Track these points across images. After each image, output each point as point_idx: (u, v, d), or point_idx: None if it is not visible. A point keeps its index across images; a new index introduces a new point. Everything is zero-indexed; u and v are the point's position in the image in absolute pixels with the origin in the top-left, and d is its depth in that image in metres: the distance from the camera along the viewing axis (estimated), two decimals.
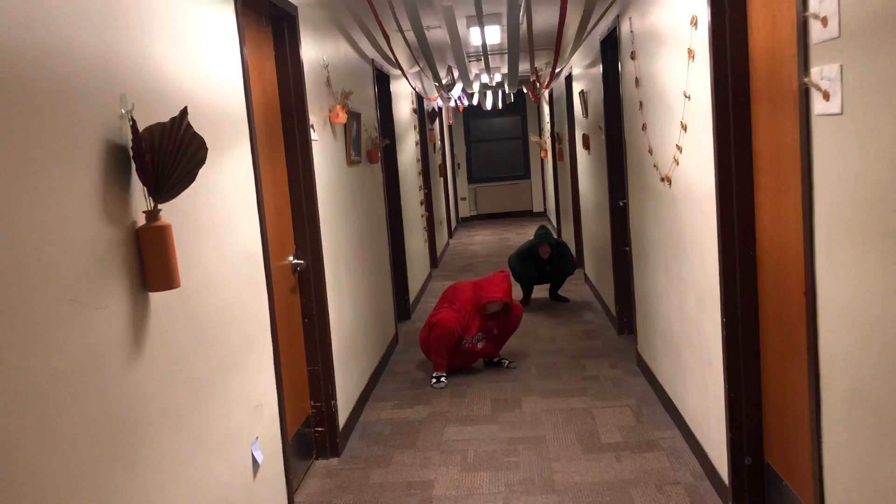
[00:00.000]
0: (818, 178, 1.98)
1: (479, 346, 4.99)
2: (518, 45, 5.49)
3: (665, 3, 3.48)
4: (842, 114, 1.81)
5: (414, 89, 7.86)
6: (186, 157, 1.88)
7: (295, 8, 3.49)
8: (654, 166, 3.90)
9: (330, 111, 4.10)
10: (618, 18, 4.66)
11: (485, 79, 10.28)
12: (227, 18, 2.63)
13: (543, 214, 14.64)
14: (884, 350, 1.70)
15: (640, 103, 4.17)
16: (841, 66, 1.79)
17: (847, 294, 1.86)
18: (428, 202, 9.05)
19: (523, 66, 8.36)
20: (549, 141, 11.49)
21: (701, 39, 2.92)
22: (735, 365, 2.87)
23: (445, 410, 4.41)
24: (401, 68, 5.93)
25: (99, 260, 1.68)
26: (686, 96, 3.19)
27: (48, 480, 1.45)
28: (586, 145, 6.87)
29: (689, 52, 3.08)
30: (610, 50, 5.34)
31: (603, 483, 3.32)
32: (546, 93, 10.83)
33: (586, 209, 7.48)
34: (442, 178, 11.39)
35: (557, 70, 7.36)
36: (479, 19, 5.06)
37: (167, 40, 2.12)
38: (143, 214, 1.86)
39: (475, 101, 11.32)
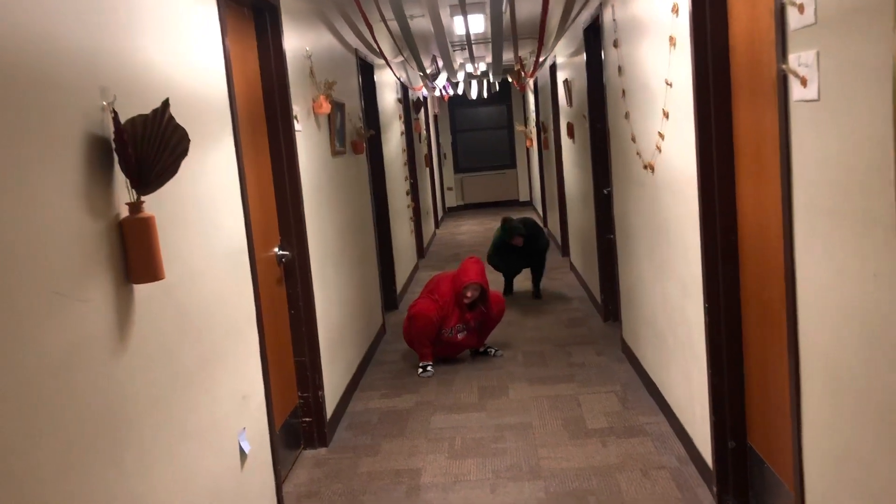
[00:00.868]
0: (797, 164, 2.00)
1: (460, 336, 5.01)
2: (502, 33, 5.49)
3: None
4: (819, 100, 1.83)
5: (398, 79, 7.84)
6: (169, 149, 1.88)
7: None
8: (637, 154, 3.92)
9: (313, 101, 4.09)
10: (600, 7, 4.67)
11: (469, 68, 10.27)
12: (209, 10, 2.62)
13: (529, 203, 14.66)
14: (862, 334, 1.73)
15: (623, 91, 4.18)
16: (818, 53, 1.81)
17: (825, 278, 1.89)
18: (414, 192, 9.04)
19: (507, 56, 8.35)
20: (534, 130, 11.50)
21: (682, 27, 2.93)
22: (718, 350, 2.91)
23: (433, 399, 4.43)
24: (384, 58, 5.91)
25: (82, 252, 1.68)
26: (668, 84, 3.21)
27: (33, 474, 1.46)
28: (571, 134, 6.88)
29: (671, 39, 3.10)
30: (593, 38, 5.34)
31: (589, 468, 3.36)
32: (531, 82, 10.83)
33: (572, 198, 7.50)
34: (428, 169, 11.39)
35: (541, 59, 7.36)
36: (463, 8, 5.05)
37: (149, 32, 2.11)
38: (127, 206, 1.86)
39: (460, 91, 11.31)
